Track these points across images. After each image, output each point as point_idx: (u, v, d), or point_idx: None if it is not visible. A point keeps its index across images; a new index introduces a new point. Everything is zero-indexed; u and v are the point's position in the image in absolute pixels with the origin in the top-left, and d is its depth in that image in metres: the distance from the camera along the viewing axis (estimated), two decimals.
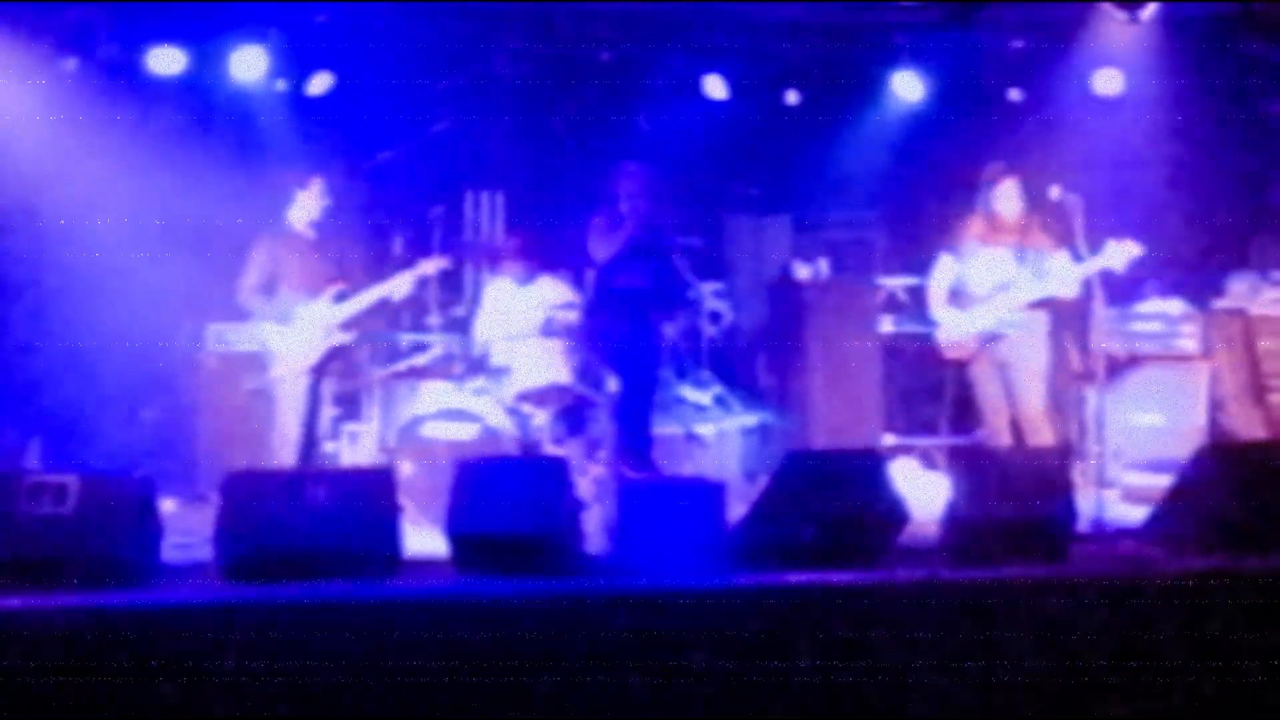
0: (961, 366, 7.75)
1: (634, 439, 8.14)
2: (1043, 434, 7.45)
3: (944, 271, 7.75)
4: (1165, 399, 8.51)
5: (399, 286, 7.72)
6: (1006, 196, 7.60)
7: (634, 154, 8.89)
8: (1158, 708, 5.24)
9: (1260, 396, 8.66)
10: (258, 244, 7.61)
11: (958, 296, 7.68)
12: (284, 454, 7.42)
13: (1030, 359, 7.52)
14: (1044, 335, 7.58)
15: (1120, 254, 7.25)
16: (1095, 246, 7.26)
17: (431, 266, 7.88)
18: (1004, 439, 7.47)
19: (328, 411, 7.68)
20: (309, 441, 7.52)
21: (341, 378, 7.73)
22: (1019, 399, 7.50)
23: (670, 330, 8.93)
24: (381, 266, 7.87)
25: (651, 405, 8.50)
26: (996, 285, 7.53)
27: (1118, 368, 8.57)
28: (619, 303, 8.08)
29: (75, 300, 8.29)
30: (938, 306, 7.75)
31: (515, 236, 8.79)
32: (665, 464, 8.53)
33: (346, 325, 7.59)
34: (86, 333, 8.26)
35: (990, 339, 7.52)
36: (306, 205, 7.63)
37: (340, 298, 7.56)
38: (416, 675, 4.98)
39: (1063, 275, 7.40)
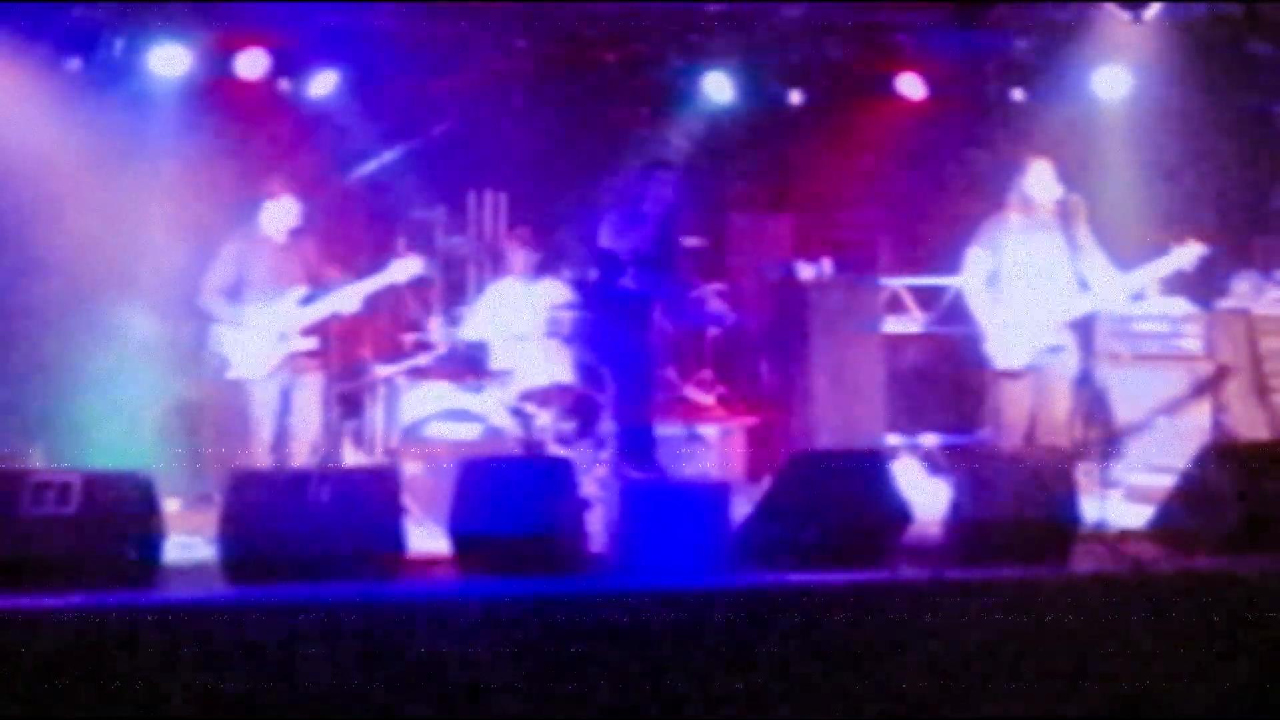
0: (1008, 376, 7.41)
1: (636, 439, 8.14)
2: (1063, 439, 7.34)
3: (977, 267, 7.45)
4: (1168, 399, 8.50)
5: (367, 290, 7.67)
6: (1040, 180, 7.32)
7: (634, 154, 8.91)
8: (1160, 706, 5.24)
9: (1263, 396, 8.65)
10: (226, 245, 7.64)
11: (999, 290, 7.39)
12: (259, 457, 7.43)
13: (1068, 364, 7.29)
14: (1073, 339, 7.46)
15: (1188, 254, 7.17)
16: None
17: (402, 271, 7.74)
18: (1015, 442, 7.32)
19: (313, 412, 7.62)
20: (280, 444, 7.52)
21: (314, 381, 7.67)
22: (1051, 405, 7.30)
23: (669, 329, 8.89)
24: (383, 267, 7.83)
25: (652, 405, 8.50)
26: (1045, 278, 7.25)
27: (1121, 368, 8.58)
28: (621, 304, 8.07)
29: (77, 300, 8.29)
30: (983, 311, 7.42)
31: (524, 227, 8.80)
32: (669, 464, 8.53)
33: (312, 329, 7.58)
34: (89, 332, 8.25)
35: (1048, 351, 7.28)
36: (275, 215, 7.66)
37: (305, 301, 7.56)
38: (418, 675, 4.99)
39: (1113, 285, 7.20)
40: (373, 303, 7.83)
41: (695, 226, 9.79)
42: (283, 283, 7.57)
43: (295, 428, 7.57)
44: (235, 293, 7.57)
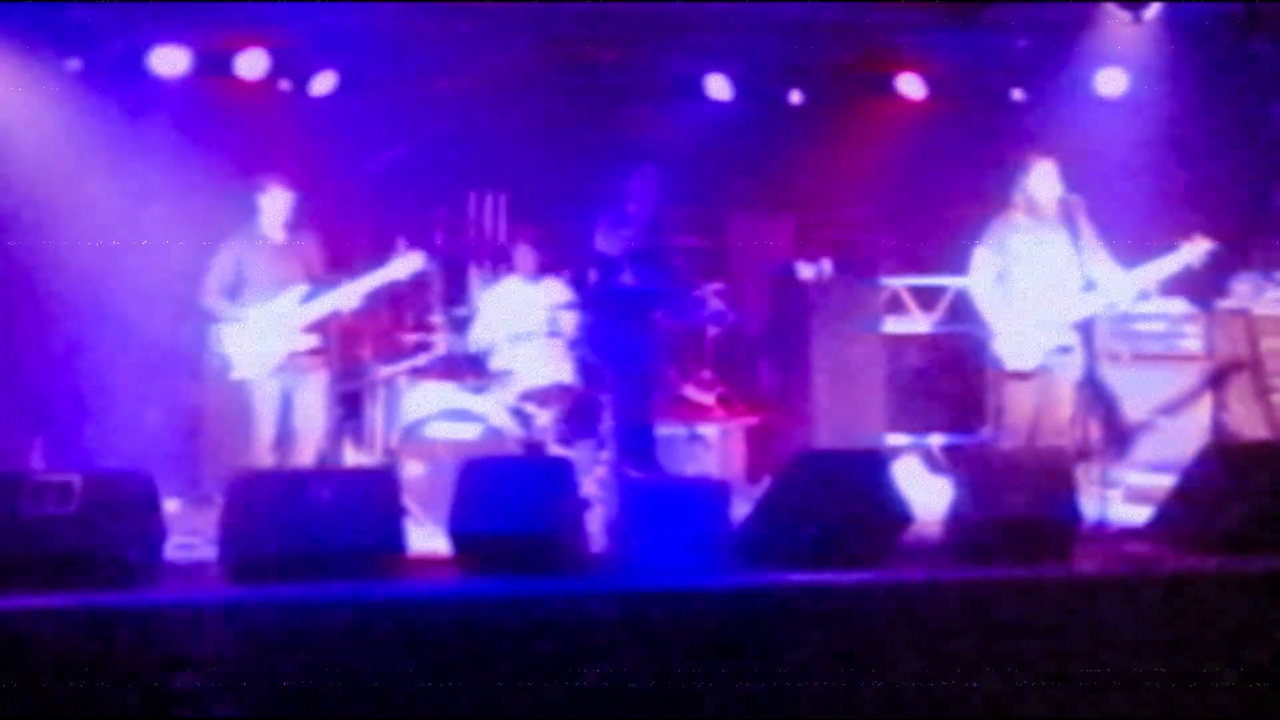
0: (1016, 378, 7.36)
1: (636, 439, 8.14)
2: (1065, 439, 7.32)
3: (984, 267, 7.43)
4: (1169, 399, 8.50)
5: (367, 286, 7.65)
6: (1044, 180, 7.33)
7: (637, 154, 8.90)
8: (1160, 707, 5.24)
9: (1263, 396, 8.64)
10: (224, 247, 7.62)
11: (1007, 290, 7.37)
12: (262, 456, 7.43)
13: (1072, 368, 7.27)
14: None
15: (1196, 251, 7.18)
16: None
17: (403, 268, 7.72)
18: (1017, 442, 7.28)
19: (317, 411, 7.62)
20: (284, 444, 7.51)
21: (318, 379, 7.66)
22: (1054, 405, 7.28)
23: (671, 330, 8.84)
24: (350, 269, 7.80)
25: (652, 405, 8.50)
26: (1052, 277, 7.23)
27: (1121, 368, 8.58)
28: (621, 303, 8.07)
29: (78, 300, 8.30)
30: (993, 311, 7.40)
31: (529, 226, 8.81)
32: (669, 464, 8.53)
33: (313, 327, 7.57)
34: (89, 333, 8.26)
35: (1057, 352, 7.26)
36: (271, 210, 7.62)
37: (306, 299, 7.55)
38: (418, 675, 4.99)
39: (1119, 283, 7.22)
40: (373, 301, 7.80)
41: (695, 225, 9.80)
42: (282, 282, 7.56)
43: (299, 427, 7.56)
44: (235, 293, 7.57)
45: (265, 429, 7.51)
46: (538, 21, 8.91)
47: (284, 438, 7.53)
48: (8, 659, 4.78)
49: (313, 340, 7.57)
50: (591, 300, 8.27)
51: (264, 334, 7.49)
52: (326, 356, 7.61)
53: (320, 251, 7.76)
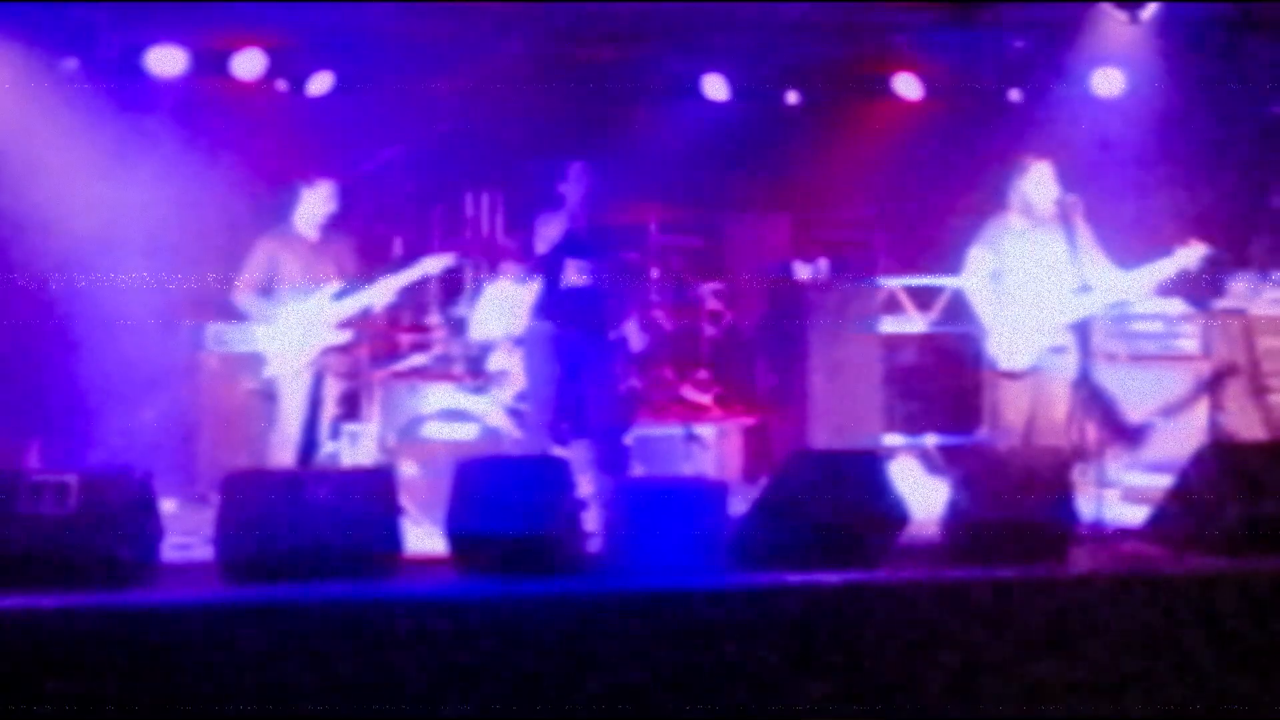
0: (1008, 377, 7.34)
1: (608, 443, 8.02)
2: (1061, 439, 7.30)
3: (979, 267, 7.41)
4: (1165, 400, 8.51)
5: (399, 283, 7.68)
6: (1040, 182, 7.30)
7: (634, 154, 8.89)
8: (1158, 708, 5.24)
9: (1260, 396, 8.65)
10: (259, 244, 7.59)
11: (1001, 290, 7.34)
12: (284, 453, 7.42)
13: (1067, 368, 7.23)
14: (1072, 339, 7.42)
15: (1191, 255, 7.17)
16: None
17: (434, 264, 7.82)
18: (1013, 442, 7.29)
19: (329, 411, 7.65)
20: (309, 441, 7.51)
21: (344, 378, 7.68)
22: (1050, 405, 7.25)
23: (633, 335, 8.59)
24: (381, 267, 7.84)
25: (610, 408, 8.42)
26: (1046, 277, 7.20)
27: (1118, 368, 8.59)
28: (564, 305, 7.82)
29: (75, 300, 8.29)
30: (987, 311, 7.36)
31: (515, 238, 8.80)
32: (667, 465, 8.50)
33: (344, 324, 7.58)
34: (86, 332, 8.25)
35: (1050, 352, 7.24)
36: (312, 205, 7.60)
37: (339, 296, 7.55)
38: (417, 675, 4.99)
39: (1114, 285, 7.20)
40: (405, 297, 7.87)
41: (691, 226, 9.79)
42: (316, 280, 7.55)
43: (316, 426, 7.57)
44: (268, 291, 7.54)
45: (291, 426, 7.47)
46: (533, 21, 8.91)
47: (307, 435, 7.51)
48: (5, 659, 4.78)
49: (345, 336, 7.57)
50: (539, 305, 8.03)
51: (298, 330, 7.47)
52: (353, 355, 7.64)
53: (353, 251, 7.74)
